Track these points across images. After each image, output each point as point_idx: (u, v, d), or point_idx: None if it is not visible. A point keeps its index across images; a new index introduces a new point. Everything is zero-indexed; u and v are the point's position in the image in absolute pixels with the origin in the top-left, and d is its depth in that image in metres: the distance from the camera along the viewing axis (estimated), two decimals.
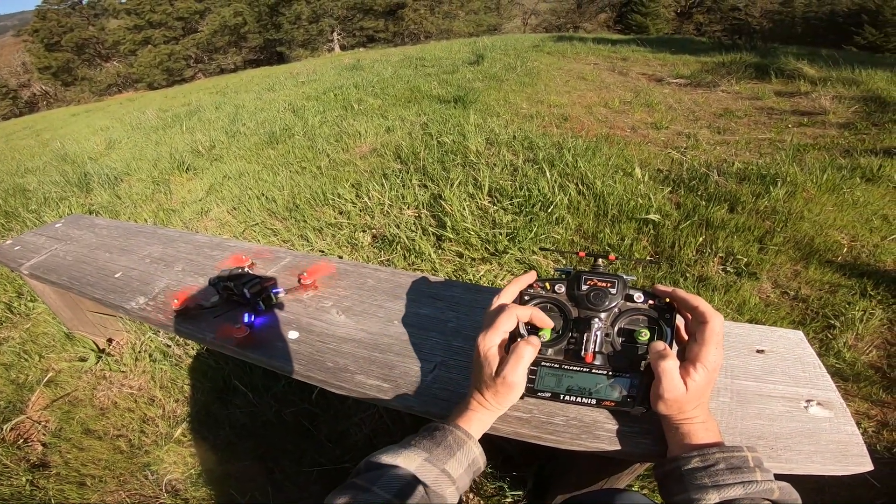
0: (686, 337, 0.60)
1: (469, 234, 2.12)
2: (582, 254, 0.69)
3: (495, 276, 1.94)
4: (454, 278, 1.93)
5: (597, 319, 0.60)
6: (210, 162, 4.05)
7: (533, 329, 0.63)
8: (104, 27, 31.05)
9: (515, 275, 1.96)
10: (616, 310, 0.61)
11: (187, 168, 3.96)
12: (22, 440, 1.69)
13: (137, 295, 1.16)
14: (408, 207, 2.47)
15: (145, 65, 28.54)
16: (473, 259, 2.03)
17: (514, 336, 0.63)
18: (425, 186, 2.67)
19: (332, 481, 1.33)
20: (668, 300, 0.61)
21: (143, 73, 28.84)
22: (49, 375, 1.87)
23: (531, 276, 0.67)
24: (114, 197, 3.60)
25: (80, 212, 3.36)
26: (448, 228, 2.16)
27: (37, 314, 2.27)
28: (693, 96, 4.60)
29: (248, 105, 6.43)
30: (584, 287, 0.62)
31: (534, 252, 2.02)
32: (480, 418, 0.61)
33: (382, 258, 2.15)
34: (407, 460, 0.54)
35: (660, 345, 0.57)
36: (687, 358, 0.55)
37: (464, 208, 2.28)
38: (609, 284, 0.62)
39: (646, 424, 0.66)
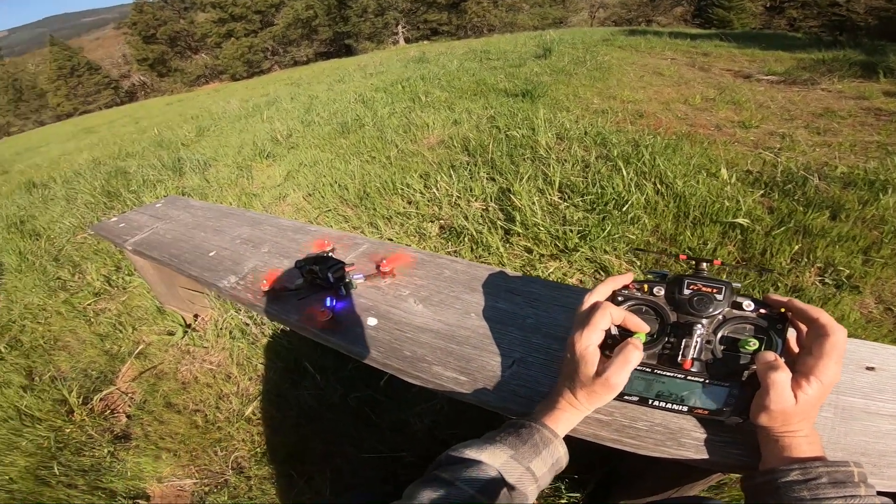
0: (796, 349, 0.58)
1: (538, 229, 2.10)
2: (683, 256, 0.66)
3: (564, 274, 1.91)
4: (526, 275, 1.92)
5: (699, 325, 0.57)
6: (287, 149, 4.30)
7: (625, 331, 0.61)
8: (193, 20, 33.68)
9: (585, 273, 1.92)
10: (720, 317, 0.58)
11: (267, 155, 4.23)
12: (109, 411, 1.77)
13: (229, 274, 1.22)
14: (475, 200, 2.49)
15: (229, 57, 30.73)
16: (542, 255, 2.01)
17: (608, 336, 0.61)
18: (493, 179, 2.67)
19: (389, 469, 1.34)
20: (782, 310, 0.57)
21: (227, 65, 31.10)
22: (140, 348, 1.98)
23: (628, 277, 0.65)
24: (203, 181, 3.92)
25: (175, 193, 3.69)
26: (517, 223, 2.15)
27: (133, 287, 2.44)
28: (787, 94, 4.21)
29: (320, 96, 6.73)
30: (687, 291, 0.59)
31: (605, 251, 1.96)
32: (568, 418, 0.60)
33: (449, 249, 2.18)
34: (492, 457, 0.54)
35: (770, 355, 0.54)
36: (799, 370, 0.53)
37: (533, 203, 2.25)
38: (715, 290, 0.58)
39: (737, 435, 0.63)
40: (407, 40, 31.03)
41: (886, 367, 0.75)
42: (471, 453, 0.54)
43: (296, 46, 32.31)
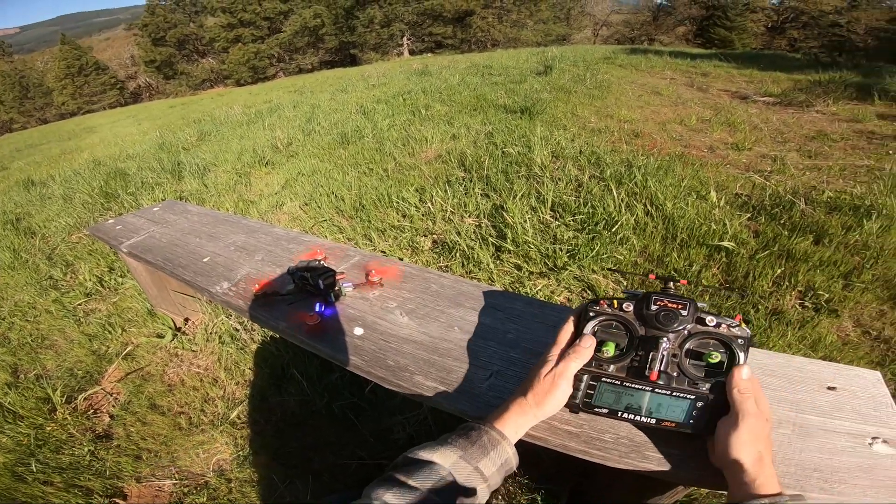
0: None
1: (529, 247, 2.13)
2: (652, 276, 0.70)
3: (552, 292, 1.94)
4: (510, 290, 1.95)
5: (665, 339, 0.61)
6: (287, 158, 4.34)
7: (597, 345, 0.66)
8: (202, 24, 33.93)
9: (573, 291, 1.95)
10: (685, 332, 0.62)
11: (266, 162, 4.27)
12: (92, 410, 1.77)
13: (222, 280, 1.26)
14: (469, 216, 2.52)
15: (235, 62, 30.92)
16: (531, 273, 2.04)
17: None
18: (487, 196, 2.70)
19: (369, 475, 1.36)
20: (740, 323, 0.63)
21: (232, 70, 31.28)
22: (128, 349, 1.98)
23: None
24: (202, 185, 3.95)
25: (173, 197, 3.72)
26: (508, 240, 2.19)
27: (124, 289, 2.44)
28: (782, 116, 4.29)
29: (322, 105, 6.80)
30: (654, 307, 0.63)
31: (593, 271, 1.99)
32: (516, 420, 0.63)
33: (441, 264, 2.21)
34: (443, 457, 0.58)
35: (739, 379, 0.60)
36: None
37: (525, 221, 2.29)
38: (680, 306, 0.62)
39: (697, 450, 0.67)
40: (412, 52, 31.36)
41: (847, 388, 0.79)
42: (424, 454, 0.58)
43: (301, 54, 32.59)
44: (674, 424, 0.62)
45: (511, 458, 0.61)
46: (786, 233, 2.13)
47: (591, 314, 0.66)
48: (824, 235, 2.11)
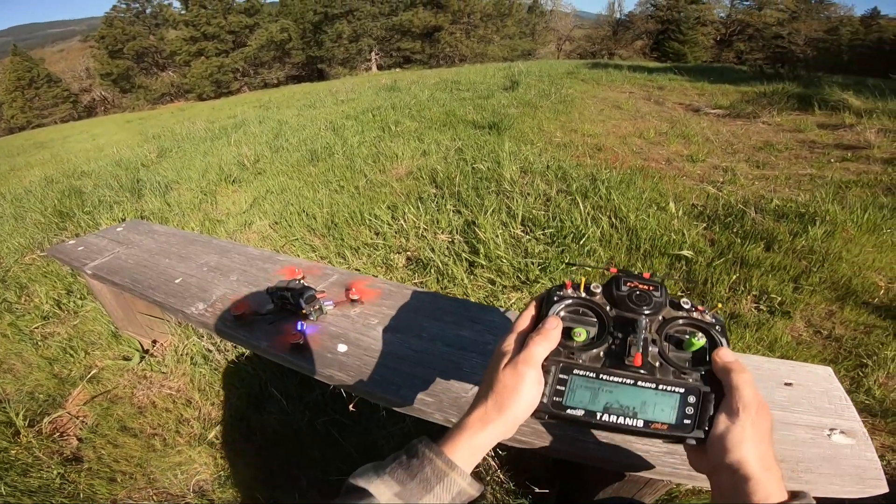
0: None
1: (501, 261, 2.18)
2: (613, 270, 0.61)
3: (525, 305, 1.99)
4: (485, 304, 1.99)
5: (643, 318, 0.53)
6: (254, 175, 4.27)
7: (564, 332, 0.56)
8: (163, 37, 32.92)
9: None
10: (660, 317, 0.55)
11: (233, 180, 4.19)
12: (58, 434, 1.73)
13: (197, 301, 1.25)
14: (442, 232, 2.56)
15: (197, 76, 30.10)
16: (505, 287, 2.09)
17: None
18: (459, 212, 2.75)
19: None
20: (716, 310, 0.58)
21: (194, 84, 30.41)
22: (92, 372, 1.94)
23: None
24: (164, 204, 3.83)
25: (133, 216, 3.58)
26: (481, 255, 2.23)
27: (85, 312, 2.37)
28: (731, 128, 4.56)
29: (290, 121, 6.73)
30: (625, 288, 0.56)
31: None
32: (472, 439, 0.51)
33: (416, 280, 2.22)
34: (378, 490, 0.48)
35: (729, 354, 0.51)
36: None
37: (497, 236, 2.34)
38: (652, 288, 0.55)
39: (675, 445, 0.70)
40: (380, 67, 31.56)
41: (802, 383, 0.86)
42: (363, 482, 0.49)
43: (267, 68, 32.12)
44: (665, 427, 0.51)
45: (466, 488, 0.50)
46: (739, 241, 2.27)
47: (556, 298, 0.57)
48: (774, 242, 2.25)
